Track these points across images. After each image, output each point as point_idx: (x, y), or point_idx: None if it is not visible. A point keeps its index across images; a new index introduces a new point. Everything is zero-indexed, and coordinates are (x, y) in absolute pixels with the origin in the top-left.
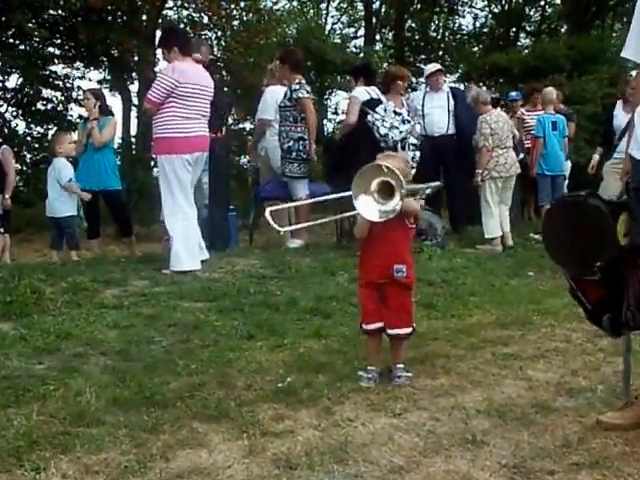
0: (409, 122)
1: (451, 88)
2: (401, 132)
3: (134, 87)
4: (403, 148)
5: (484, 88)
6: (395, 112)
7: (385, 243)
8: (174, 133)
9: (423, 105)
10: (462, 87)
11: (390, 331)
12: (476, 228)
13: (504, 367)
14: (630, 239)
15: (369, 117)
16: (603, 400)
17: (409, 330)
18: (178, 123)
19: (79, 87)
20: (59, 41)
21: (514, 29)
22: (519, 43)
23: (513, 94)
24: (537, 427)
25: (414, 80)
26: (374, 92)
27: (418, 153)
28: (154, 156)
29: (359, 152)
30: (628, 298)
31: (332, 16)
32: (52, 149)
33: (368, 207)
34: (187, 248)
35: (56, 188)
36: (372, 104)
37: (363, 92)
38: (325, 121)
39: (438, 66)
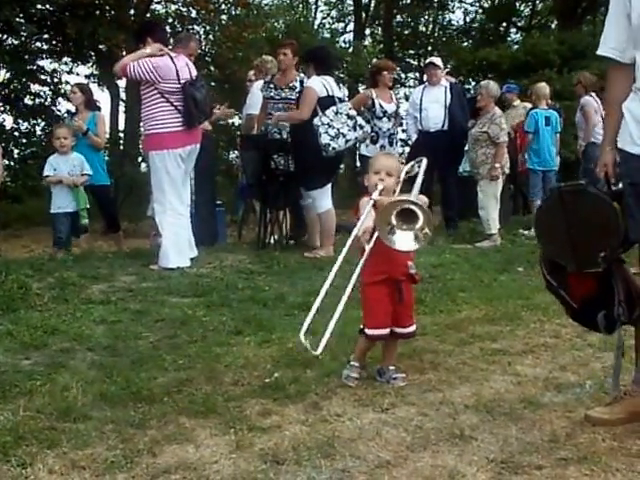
0: (362, 127)
1: (451, 83)
2: (347, 141)
3: (122, 82)
4: (391, 144)
5: (492, 82)
6: (349, 116)
7: None
8: (164, 128)
9: (421, 99)
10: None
11: (402, 330)
12: (464, 224)
13: (492, 362)
14: (626, 234)
15: (315, 120)
16: (591, 395)
17: (415, 327)
18: (167, 118)
19: (67, 82)
20: (47, 36)
21: (504, 24)
22: (509, 38)
23: (512, 86)
24: (525, 422)
25: (403, 75)
26: (329, 85)
27: (407, 149)
28: (143, 152)
29: (302, 153)
30: (618, 293)
31: (321, 11)
32: (53, 144)
33: (406, 240)
34: (176, 245)
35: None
36: (325, 103)
37: (320, 85)
38: None
39: (432, 59)
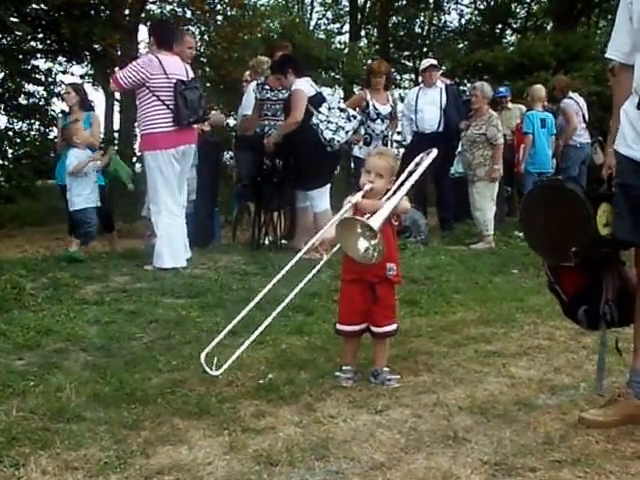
0: (355, 118)
1: (446, 85)
2: (347, 132)
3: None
4: (385, 145)
5: (485, 84)
6: (340, 109)
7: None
8: (156, 128)
9: (417, 101)
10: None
11: (377, 329)
12: (459, 225)
13: (487, 364)
14: (613, 233)
15: (314, 119)
16: (586, 398)
17: (395, 327)
18: (160, 118)
19: (61, 82)
20: (41, 35)
21: (500, 26)
22: (505, 40)
23: (502, 90)
24: (519, 424)
25: (398, 77)
26: (312, 83)
27: (402, 150)
28: (139, 153)
29: (300, 155)
30: (607, 292)
31: (317, 12)
32: (68, 140)
33: (361, 246)
34: (170, 245)
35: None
36: (317, 100)
37: (307, 85)
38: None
39: (432, 61)
